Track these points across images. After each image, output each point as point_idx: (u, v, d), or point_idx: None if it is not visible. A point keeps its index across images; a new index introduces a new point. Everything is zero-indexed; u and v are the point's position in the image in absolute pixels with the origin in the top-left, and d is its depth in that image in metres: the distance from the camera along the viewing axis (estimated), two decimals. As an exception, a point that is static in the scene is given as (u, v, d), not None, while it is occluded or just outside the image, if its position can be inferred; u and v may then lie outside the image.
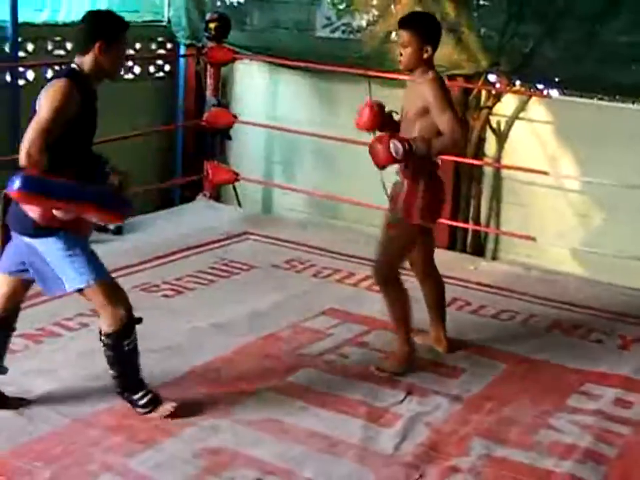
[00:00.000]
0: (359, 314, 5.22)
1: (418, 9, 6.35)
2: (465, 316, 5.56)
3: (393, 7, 7.00)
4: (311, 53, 7.37)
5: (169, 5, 8.03)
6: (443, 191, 4.73)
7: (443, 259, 6.61)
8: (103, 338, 3.94)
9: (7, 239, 3.91)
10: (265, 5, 7.78)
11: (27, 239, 3.80)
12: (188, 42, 8.06)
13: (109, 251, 6.42)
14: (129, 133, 7.05)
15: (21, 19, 6.58)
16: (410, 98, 4.53)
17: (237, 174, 7.61)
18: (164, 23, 8.05)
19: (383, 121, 4.61)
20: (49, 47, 7.01)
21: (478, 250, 7.05)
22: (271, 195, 8.11)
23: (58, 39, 7.04)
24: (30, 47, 6.87)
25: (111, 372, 3.99)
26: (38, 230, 3.74)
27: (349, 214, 7.52)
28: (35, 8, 7.04)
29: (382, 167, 4.42)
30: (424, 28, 4.43)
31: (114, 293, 3.91)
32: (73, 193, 3.63)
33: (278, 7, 7.71)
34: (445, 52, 6.63)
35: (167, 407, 4.01)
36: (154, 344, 4.73)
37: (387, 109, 4.65)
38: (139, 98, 7.69)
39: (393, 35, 6.87)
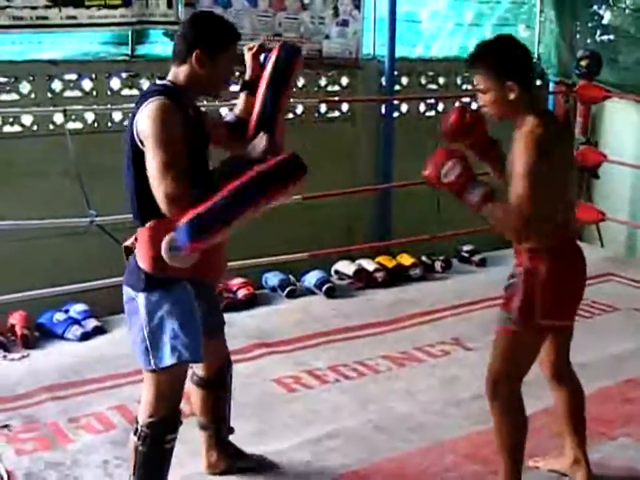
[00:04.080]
0: None
1: None
2: None
3: None
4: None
5: (539, 42, 8.06)
6: (579, 273, 3.44)
7: None
8: (140, 428, 3.21)
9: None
10: (637, 42, 7.59)
11: (132, 293, 3.19)
12: (558, 79, 8.03)
13: (472, 282, 6.64)
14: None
15: (397, 54, 6.88)
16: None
17: (602, 213, 7.47)
18: (534, 60, 8.08)
19: (468, 129, 3.46)
20: (423, 81, 7.28)
21: None
22: (636, 236, 7.84)
23: (431, 73, 7.31)
24: (404, 80, 7.18)
25: None
26: (150, 280, 3.12)
27: None
28: (411, 44, 7.34)
29: (429, 183, 3.26)
30: (498, 61, 3.22)
31: (181, 379, 3.25)
32: (241, 200, 2.92)
33: (650, 45, 7.52)
34: None
35: None
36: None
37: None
38: (508, 133, 7.75)
39: None
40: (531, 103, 3.26)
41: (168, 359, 3.11)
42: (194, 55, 3.10)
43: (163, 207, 2.96)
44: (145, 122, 3.00)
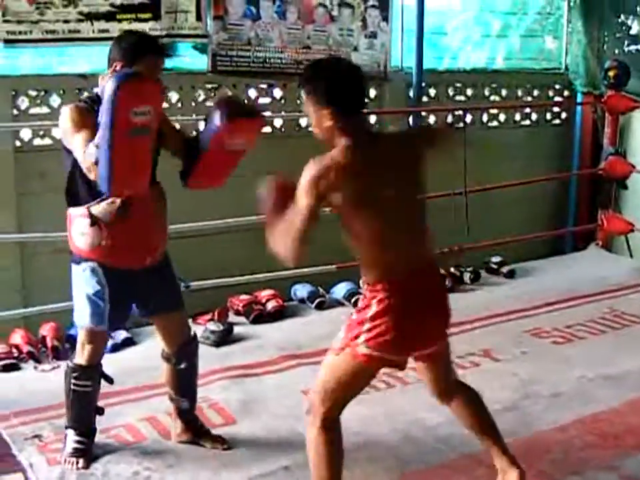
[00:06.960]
0: None
1: None
2: None
3: None
4: None
5: (567, 53, 8.04)
6: (413, 310, 3.18)
7: None
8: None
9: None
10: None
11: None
12: (585, 90, 8.01)
13: (501, 293, 6.63)
14: (524, 179, 7.18)
15: (425, 66, 6.88)
16: None
17: (631, 224, 7.44)
18: (562, 71, 8.07)
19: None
20: (450, 93, 7.31)
21: None
22: (665, 247, 7.81)
23: (458, 85, 7.34)
24: (432, 92, 7.19)
25: None
26: (73, 255, 3.75)
27: None
28: (438, 56, 7.34)
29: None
30: (314, 89, 3.15)
31: (91, 341, 3.81)
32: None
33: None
34: None
35: (81, 462, 3.87)
36: (542, 389, 4.76)
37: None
38: (535, 145, 7.76)
39: None
40: (346, 131, 3.13)
41: (78, 321, 3.79)
42: (114, 67, 3.54)
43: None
44: (60, 122, 3.56)
